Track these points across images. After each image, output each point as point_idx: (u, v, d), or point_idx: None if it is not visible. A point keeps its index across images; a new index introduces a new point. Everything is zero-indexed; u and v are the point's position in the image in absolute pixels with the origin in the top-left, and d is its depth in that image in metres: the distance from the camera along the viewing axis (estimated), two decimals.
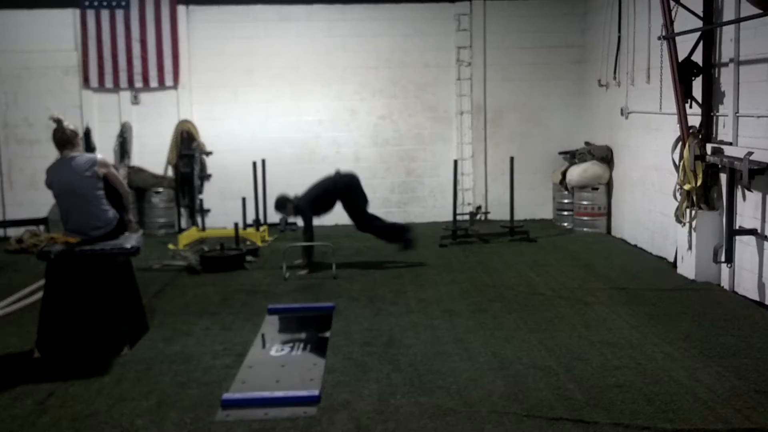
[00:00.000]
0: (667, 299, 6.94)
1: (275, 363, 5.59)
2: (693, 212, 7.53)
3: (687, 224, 7.62)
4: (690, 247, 7.61)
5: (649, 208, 9.17)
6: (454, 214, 10.29)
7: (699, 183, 7.43)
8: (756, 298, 6.77)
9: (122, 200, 6.27)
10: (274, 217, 11.12)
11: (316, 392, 4.83)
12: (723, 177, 7.31)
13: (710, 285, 7.38)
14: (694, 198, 7.54)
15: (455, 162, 10.43)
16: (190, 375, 5.25)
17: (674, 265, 8.09)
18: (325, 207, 8.81)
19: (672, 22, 7.76)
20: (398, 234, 8.88)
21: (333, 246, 8.49)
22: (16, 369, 5.50)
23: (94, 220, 5.95)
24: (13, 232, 10.67)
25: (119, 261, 5.97)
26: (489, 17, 11.58)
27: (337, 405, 4.66)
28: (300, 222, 9.00)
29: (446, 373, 5.14)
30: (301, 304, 7.15)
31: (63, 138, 6.05)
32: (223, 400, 4.77)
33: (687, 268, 7.70)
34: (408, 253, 8.86)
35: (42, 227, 10.77)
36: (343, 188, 8.77)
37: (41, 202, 10.98)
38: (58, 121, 6.05)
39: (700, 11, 7.53)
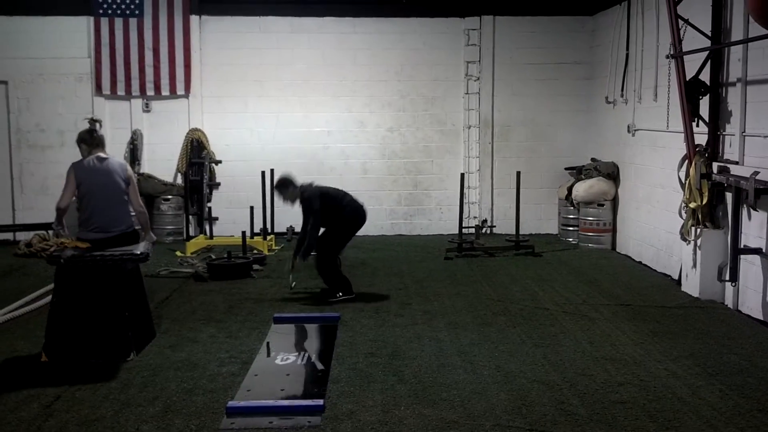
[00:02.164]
0: (671, 317, 6.95)
1: (280, 372, 5.62)
2: (698, 230, 7.56)
3: (692, 242, 7.64)
4: (695, 265, 7.63)
5: (654, 226, 9.19)
6: (460, 227, 10.33)
7: (704, 201, 7.47)
8: (760, 317, 6.78)
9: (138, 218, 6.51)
10: (281, 226, 11.23)
11: (320, 402, 4.86)
12: (729, 196, 7.33)
13: (714, 303, 7.39)
14: (700, 216, 7.56)
15: (462, 175, 10.48)
16: (195, 382, 5.29)
17: (678, 282, 8.11)
18: (327, 215, 7.63)
19: (680, 41, 7.82)
20: (340, 287, 7.70)
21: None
22: (24, 372, 5.55)
23: (116, 222, 6.15)
24: (22, 236, 10.75)
25: (128, 267, 6.03)
26: (498, 33, 11.66)
27: (341, 415, 4.70)
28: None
29: (450, 386, 5.17)
30: (306, 313, 7.19)
31: (98, 139, 6.37)
32: (228, 407, 4.80)
33: (691, 286, 7.72)
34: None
35: (51, 232, 10.83)
36: (353, 212, 7.83)
37: (51, 207, 10.93)
38: (99, 122, 6.36)
39: (708, 31, 7.59)
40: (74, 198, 6.37)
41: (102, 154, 6.34)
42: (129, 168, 6.53)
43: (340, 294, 7.64)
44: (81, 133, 6.42)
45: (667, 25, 8.02)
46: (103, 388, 5.18)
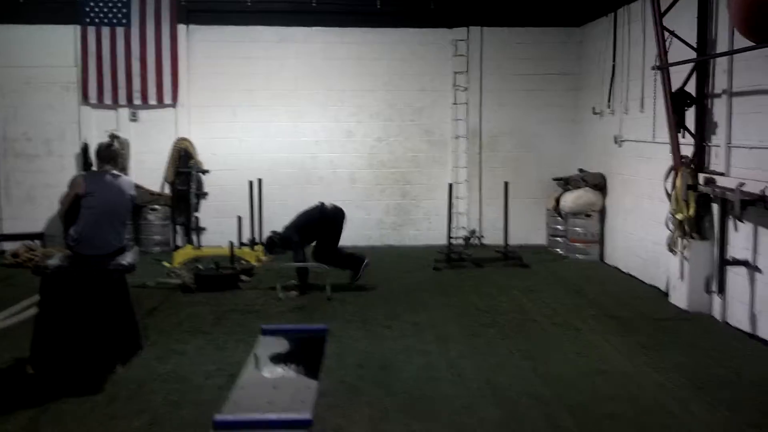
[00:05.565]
0: (659, 329, 6.98)
1: (268, 384, 5.56)
2: (685, 242, 7.59)
3: (679, 254, 7.68)
4: (682, 277, 7.66)
5: (641, 237, 9.23)
6: (449, 237, 10.34)
7: (691, 212, 7.51)
8: (747, 329, 6.80)
9: None
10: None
11: (308, 415, 4.82)
12: (715, 207, 7.38)
13: (702, 315, 7.41)
14: (686, 227, 7.60)
15: (450, 185, 10.50)
16: (182, 395, 5.26)
17: (666, 294, 8.14)
18: (311, 236, 8.76)
19: (666, 53, 7.88)
20: (355, 264, 8.82)
21: (327, 268, 8.50)
22: (9, 385, 5.50)
23: (116, 240, 6.08)
24: (9, 246, 10.66)
25: (114, 278, 5.98)
26: (486, 43, 11.71)
27: (329, 429, 4.69)
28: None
29: (439, 399, 5.16)
30: (294, 325, 7.14)
31: (113, 154, 6.37)
32: (215, 421, 4.73)
33: (679, 298, 7.75)
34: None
35: (38, 242, 10.76)
36: (331, 219, 8.81)
37: (38, 217, 11.05)
38: (116, 138, 6.34)
39: (694, 42, 7.65)
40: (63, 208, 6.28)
41: (115, 171, 6.30)
42: (134, 188, 6.55)
43: (358, 272, 8.74)
44: (98, 146, 6.46)
45: (654, 37, 8.08)
46: (89, 401, 5.14)
